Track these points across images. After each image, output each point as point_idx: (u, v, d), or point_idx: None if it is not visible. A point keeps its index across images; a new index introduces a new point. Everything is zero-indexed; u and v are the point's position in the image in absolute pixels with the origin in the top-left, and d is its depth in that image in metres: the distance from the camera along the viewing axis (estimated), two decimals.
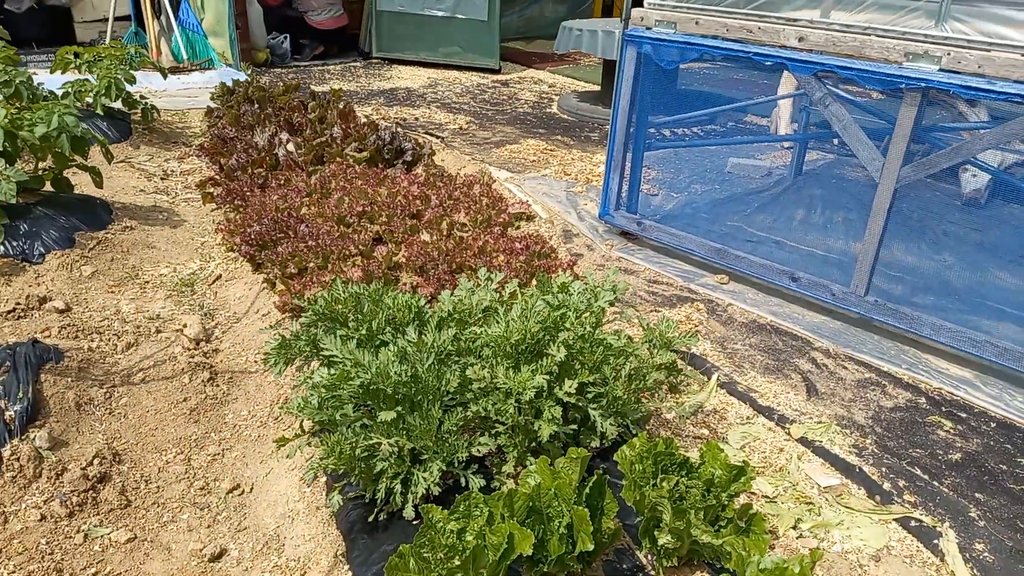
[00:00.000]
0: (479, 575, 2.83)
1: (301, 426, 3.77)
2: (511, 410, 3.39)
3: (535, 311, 3.70)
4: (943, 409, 4.56)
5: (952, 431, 4.37)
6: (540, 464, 3.10)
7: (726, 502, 3.12)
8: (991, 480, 3.96)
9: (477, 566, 2.81)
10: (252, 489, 4.03)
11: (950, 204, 7.86)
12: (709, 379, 4.82)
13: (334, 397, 3.39)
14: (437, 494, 3.32)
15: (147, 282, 6.13)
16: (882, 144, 5.43)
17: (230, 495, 3.99)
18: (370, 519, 3.39)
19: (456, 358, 3.68)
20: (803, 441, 4.26)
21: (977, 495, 3.86)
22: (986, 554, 3.49)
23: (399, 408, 3.30)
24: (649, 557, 3.30)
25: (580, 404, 3.60)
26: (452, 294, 4.21)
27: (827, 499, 3.85)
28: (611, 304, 4.07)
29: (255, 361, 5.06)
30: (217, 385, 4.77)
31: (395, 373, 3.33)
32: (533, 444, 3.62)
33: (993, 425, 4.41)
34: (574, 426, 3.58)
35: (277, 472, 4.08)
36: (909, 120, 4.94)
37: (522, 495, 2.97)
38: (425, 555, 2.90)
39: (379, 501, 3.37)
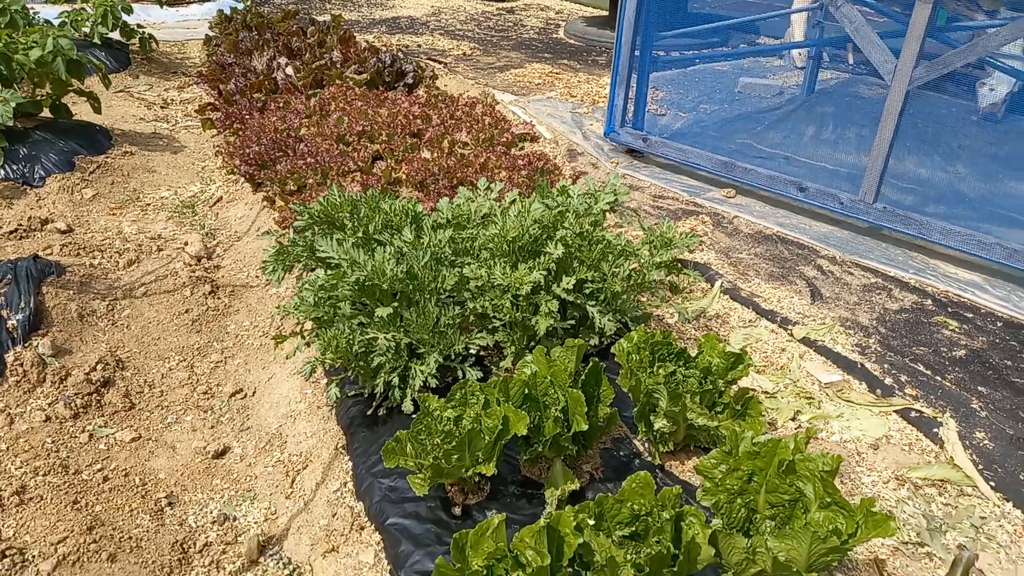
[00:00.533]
0: (475, 457, 2.85)
1: (299, 326, 3.77)
2: (507, 305, 3.37)
3: (533, 211, 3.65)
4: (949, 310, 4.51)
5: (957, 330, 4.32)
6: (536, 354, 3.09)
7: (723, 388, 3.11)
8: (994, 374, 3.93)
9: (473, 448, 2.83)
10: (255, 393, 4.07)
11: (965, 119, 7.66)
12: (712, 286, 4.77)
13: (331, 296, 3.38)
14: (435, 387, 3.33)
15: (148, 204, 6.11)
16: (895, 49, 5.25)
17: (233, 399, 4.03)
18: (368, 412, 3.42)
19: (453, 258, 3.64)
20: (805, 341, 4.24)
21: (980, 388, 3.84)
22: (986, 442, 3.48)
23: (395, 304, 3.29)
24: (645, 444, 3.31)
25: (578, 302, 3.57)
26: (451, 202, 4.16)
27: (827, 394, 3.84)
28: (612, 208, 4.00)
29: (256, 276, 5.06)
30: (218, 298, 4.78)
31: (391, 270, 3.30)
32: (531, 342, 3.61)
33: (999, 324, 4.36)
34: (571, 322, 3.56)
35: (279, 377, 4.11)
36: (923, 17, 4.76)
37: (517, 381, 2.96)
38: (422, 439, 2.92)
39: (378, 396, 3.39)
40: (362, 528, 3.03)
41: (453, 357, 3.39)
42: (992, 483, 3.25)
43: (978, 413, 3.67)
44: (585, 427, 2.79)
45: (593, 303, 3.55)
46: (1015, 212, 5.61)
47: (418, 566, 2.76)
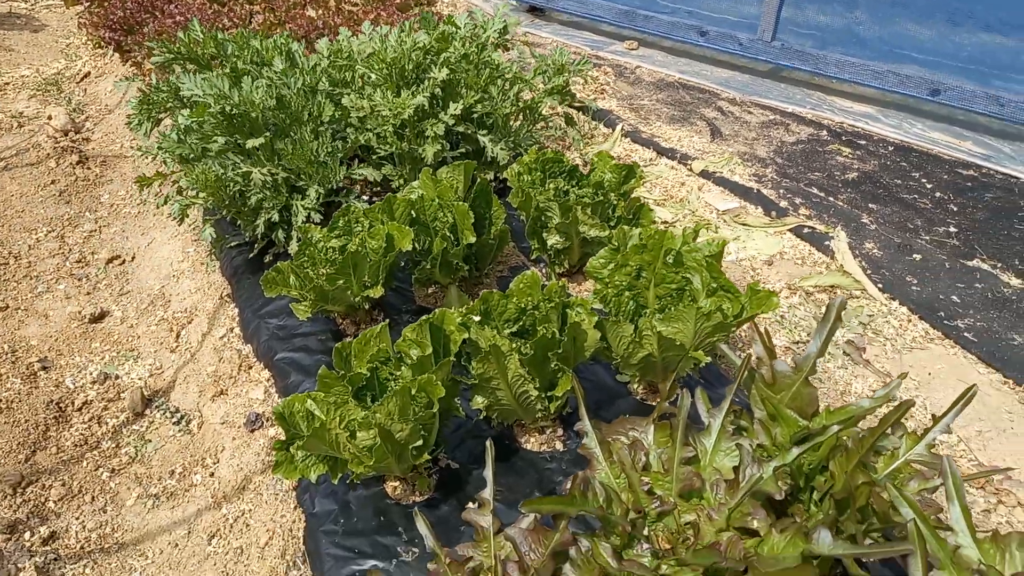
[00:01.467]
0: (361, 281, 2.72)
1: (166, 167, 3.46)
2: (391, 134, 3.18)
3: (415, 36, 3.41)
4: (843, 139, 4.55)
5: (850, 156, 4.37)
6: (423, 177, 2.93)
7: (615, 201, 3.04)
8: (885, 192, 4.01)
9: (358, 271, 2.69)
10: (134, 258, 3.81)
11: None
12: (613, 130, 4.67)
13: (198, 131, 3.11)
14: (320, 223, 3.15)
15: (7, 84, 5.54)
16: None
17: (110, 265, 3.76)
18: (252, 256, 3.23)
19: (332, 90, 3.40)
20: (704, 174, 4.21)
21: (871, 205, 3.91)
22: (875, 251, 3.56)
23: (268, 135, 3.05)
24: (542, 268, 3.25)
25: (469, 131, 3.41)
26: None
27: (725, 220, 3.85)
28: (502, 40, 3.80)
29: (130, 147, 4.68)
30: (88, 168, 4.41)
31: (260, 99, 3.05)
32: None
33: (891, 149, 4.43)
34: (463, 151, 3.40)
35: (159, 241, 3.85)
36: None
37: (402, 201, 2.82)
38: (306, 270, 2.77)
39: (260, 238, 3.19)
40: (250, 367, 2.90)
41: (337, 190, 3.21)
42: (880, 286, 3.34)
43: (868, 227, 3.74)
44: (473, 239, 2.68)
45: (484, 132, 3.39)
46: (911, 51, 5.65)
47: (307, 389, 2.65)
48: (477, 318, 2.31)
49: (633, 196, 2.98)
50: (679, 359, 2.35)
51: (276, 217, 3.07)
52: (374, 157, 3.29)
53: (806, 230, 3.69)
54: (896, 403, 1.77)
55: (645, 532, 1.76)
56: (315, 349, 2.83)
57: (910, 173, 4.17)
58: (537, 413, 2.35)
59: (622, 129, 4.64)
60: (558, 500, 1.64)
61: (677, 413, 1.86)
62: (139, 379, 3.10)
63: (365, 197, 3.69)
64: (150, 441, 2.80)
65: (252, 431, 2.70)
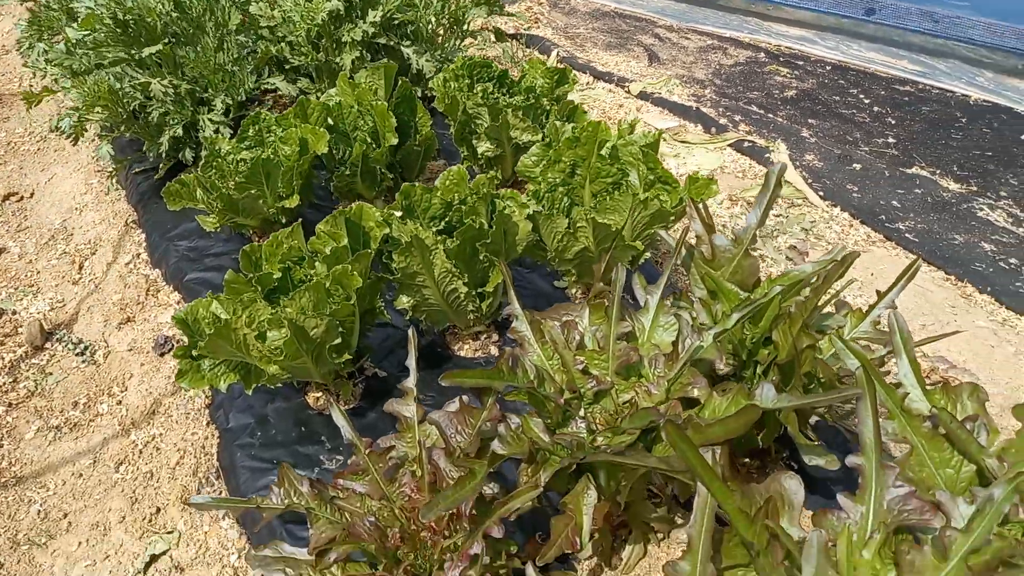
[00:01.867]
0: (275, 192, 2.52)
1: (54, 81, 3.15)
2: (304, 41, 2.95)
3: None
4: (781, 60, 4.47)
5: (789, 76, 4.29)
6: (340, 81, 2.72)
7: (548, 107, 2.88)
8: (823, 108, 3.94)
9: (271, 181, 2.49)
10: (32, 195, 3.50)
11: None
12: (548, 56, 4.50)
13: (91, 41, 2.84)
14: (229, 137, 2.91)
15: None
16: None
17: (6, 202, 3.45)
18: (158, 179, 2.99)
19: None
20: (642, 95, 4.08)
21: (810, 120, 3.84)
22: (815, 162, 3.49)
23: (166, 42, 2.80)
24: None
25: (392, 44, 3.20)
26: None
27: (665, 138, 3.73)
28: None
29: (30, 85, 4.32)
30: None
31: (156, 2, 2.79)
32: None
33: (828, 68, 4.37)
34: (385, 60, 3.19)
35: (60, 176, 3.55)
36: None
37: (317, 105, 2.61)
38: (213, 182, 2.55)
39: (164, 157, 2.95)
40: (158, 291, 2.68)
41: (249, 103, 2.97)
42: (821, 194, 3.27)
43: (808, 140, 3.67)
44: (395, 140, 2.49)
45: (408, 43, 3.19)
46: None
47: None
48: (399, 214, 2.13)
49: (567, 100, 2.83)
50: (616, 251, 2.22)
51: (181, 132, 2.83)
52: (288, 68, 3.06)
53: (746, 144, 3.60)
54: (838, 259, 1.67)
55: (581, 413, 1.63)
56: (228, 268, 2.62)
57: (848, 90, 4.12)
58: (469, 315, 2.20)
59: (558, 55, 4.48)
60: (483, 373, 1.50)
61: (611, 289, 1.73)
62: (39, 313, 2.84)
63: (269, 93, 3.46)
64: (51, 374, 2.56)
65: (162, 355, 2.49)
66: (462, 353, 2.29)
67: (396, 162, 2.74)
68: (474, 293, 2.13)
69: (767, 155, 3.51)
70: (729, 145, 3.63)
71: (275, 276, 2.01)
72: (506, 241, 2.09)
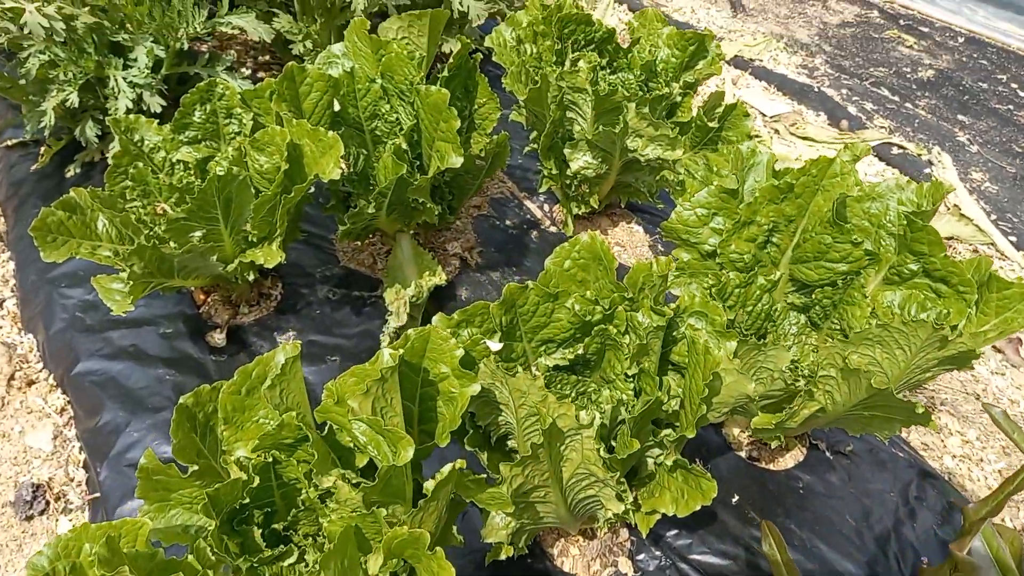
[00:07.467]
0: (238, 230, 1.43)
1: None
2: None
3: None
4: (901, 23, 3.44)
5: (917, 48, 3.28)
6: (352, 35, 1.59)
7: (679, 97, 1.82)
8: (973, 100, 2.96)
9: (234, 210, 1.39)
10: None
11: None
12: None
13: None
14: (159, 112, 1.76)
15: None
16: None
17: None
18: (39, 166, 1.83)
19: None
20: (738, 63, 3.03)
21: (960, 117, 2.85)
22: (987, 183, 2.54)
23: None
24: (544, 204, 2.02)
25: None
26: None
27: (777, 131, 2.71)
28: None
29: None
30: None
31: None
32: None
33: (961, 40, 3.37)
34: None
35: None
36: None
37: (317, 78, 1.48)
38: (129, 200, 1.44)
39: (48, 130, 1.77)
40: (30, 382, 1.58)
41: (193, 55, 1.82)
42: (1012, 238, 2.33)
43: (967, 147, 2.70)
44: (458, 161, 1.40)
45: None
46: None
47: (139, 439, 1.40)
48: (496, 344, 1.09)
49: (716, 92, 1.77)
50: (875, 418, 1.24)
51: (76, 100, 1.67)
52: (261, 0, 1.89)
53: (895, 150, 2.62)
54: None
55: None
56: (154, 354, 1.54)
57: (994, 75, 3.14)
58: (599, 519, 1.21)
59: None
60: None
61: None
62: None
63: (246, 71, 2.29)
64: None
65: (28, 517, 1.42)
66: (567, 567, 1.30)
67: (444, 183, 1.66)
68: (623, 490, 1.13)
69: (926, 170, 2.54)
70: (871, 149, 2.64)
71: (248, 486, 0.96)
72: (704, 405, 1.08)
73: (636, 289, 1.19)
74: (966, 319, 1.28)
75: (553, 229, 1.96)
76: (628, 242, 1.99)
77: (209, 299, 1.61)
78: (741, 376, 1.08)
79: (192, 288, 1.61)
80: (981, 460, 1.75)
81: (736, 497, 1.45)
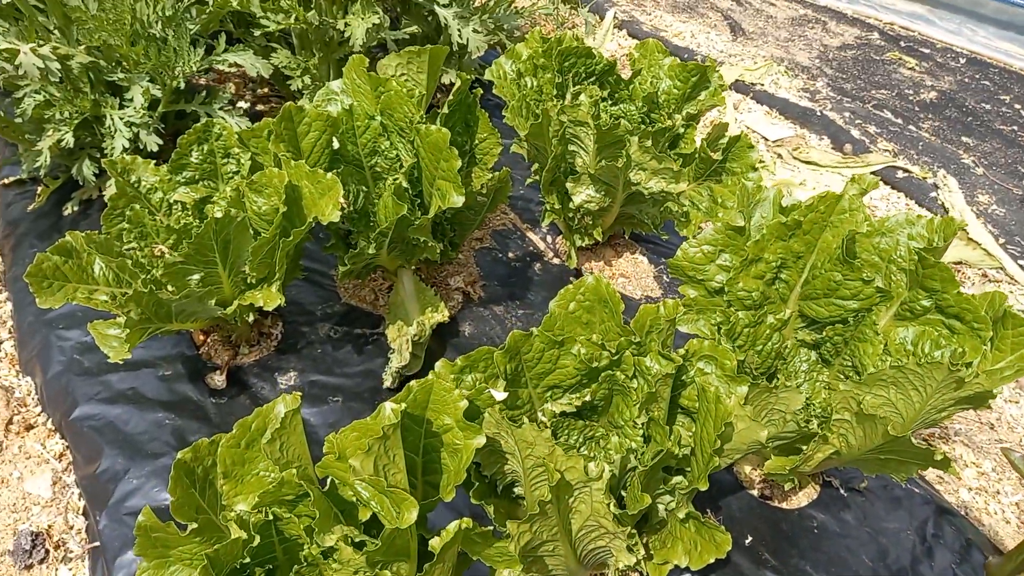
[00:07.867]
0: (238, 272, 1.41)
1: None
2: None
3: None
4: (902, 45, 3.44)
5: (918, 69, 3.27)
6: (351, 71, 1.58)
7: (682, 129, 1.81)
8: (977, 122, 2.95)
9: (233, 253, 1.37)
10: None
11: None
12: (603, 19, 3.37)
13: None
14: (156, 152, 1.74)
15: None
16: None
17: None
18: (37, 206, 1.81)
19: None
20: (738, 87, 3.02)
21: (964, 139, 2.85)
22: (994, 206, 2.52)
23: None
24: (547, 236, 2.00)
25: (424, 1, 2.04)
26: None
27: (780, 155, 2.70)
28: None
29: None
30: None
31: None
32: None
33: (963, 61, 3.36)
34: (411, 31, 2.04)
35: None
36: None
37: (316, 118, 1.47)
38: (126, 244, 1.42)
39: (44, 170, 1.75)
40: (28, 426, 1.55)
41: (190, 92, 1.81)
42: (1022, 262, 2.30)
43: (972, 170, 2.69)
44: (459, 201, 1.38)
45: (445, 3, 2.04)
46: None
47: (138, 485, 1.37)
48: (500, 394, 1.06)
49: (720, 124, 1.75)
50: (891, 460, 1.21)
51: (72, 140, 1.66)
52: (257, 34, 1.88)
53: (900, 174, 2.60)
54: None
55: None
56: (153, 397, 1.51)
57: (997, 96, 3.13)
58: (609, 566, 1.18)
59: (615, 18, 3.35)
60: None
61: None
62: None
63: (245, 104, 2.29)
64: None
65: (27, 566, 1.38)
66: None
67: (445, 220, 1.64)
68: (634, 542, 1.10)
69: (932, 193, 2.52)
70: (873, 172, 2.62)
71: (247, 542, 0.93)
72: (715, 456, 1.05)
73: (643, 332, 1.16)
74: (981, 356, 1.25)
75: (556, 261, 1.94)
76: (633, 273, 1.96)
77: (209, 340, 1.59)
78: (753, 423, 1.05)
79: (191, 329, 1.59)
80: (998, 492, 1.72)
81: (749, 538, 1.41)
